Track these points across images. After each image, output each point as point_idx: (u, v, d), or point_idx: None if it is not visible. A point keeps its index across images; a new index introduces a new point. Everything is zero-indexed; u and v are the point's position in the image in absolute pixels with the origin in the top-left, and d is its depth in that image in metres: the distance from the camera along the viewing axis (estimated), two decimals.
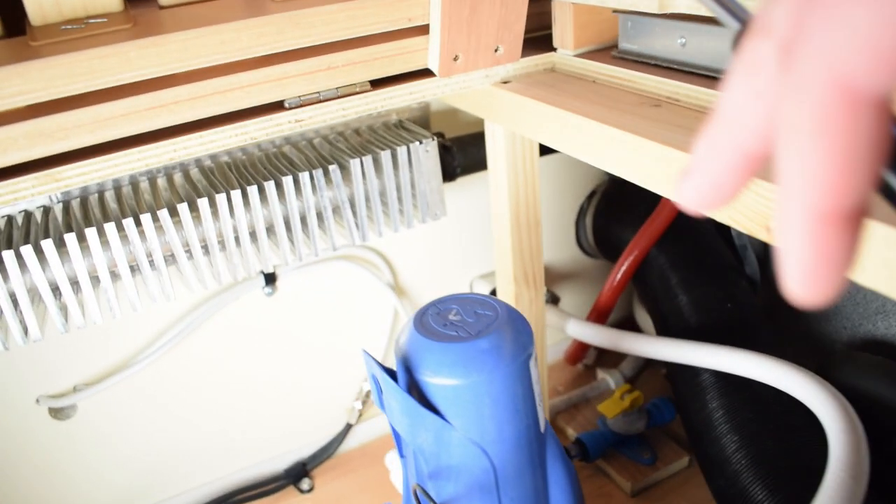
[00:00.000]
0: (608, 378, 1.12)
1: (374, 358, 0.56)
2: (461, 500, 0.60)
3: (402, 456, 0.65)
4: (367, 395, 1.06)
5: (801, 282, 0.20)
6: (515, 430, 0.59)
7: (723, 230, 1.07)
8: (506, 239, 0.84)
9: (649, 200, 1.04)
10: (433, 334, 0.58)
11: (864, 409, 0.70)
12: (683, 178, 0.23)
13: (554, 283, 1.16)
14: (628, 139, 0.56)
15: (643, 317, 1.11)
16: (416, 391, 0.57)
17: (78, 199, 0.80)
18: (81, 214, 0.78)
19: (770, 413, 0.78)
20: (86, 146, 0.63)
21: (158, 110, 0.64)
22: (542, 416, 0.62)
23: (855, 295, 0.92)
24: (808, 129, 0.18)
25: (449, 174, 0.89)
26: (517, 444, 0.60)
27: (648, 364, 1.18)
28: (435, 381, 0.56)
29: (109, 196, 0.80)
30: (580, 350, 1.15)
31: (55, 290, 0.74)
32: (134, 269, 0.76)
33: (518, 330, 0.59)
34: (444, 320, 0.59)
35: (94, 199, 0.80)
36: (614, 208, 1.09)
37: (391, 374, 0.57)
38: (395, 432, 0.64)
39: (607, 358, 1.19)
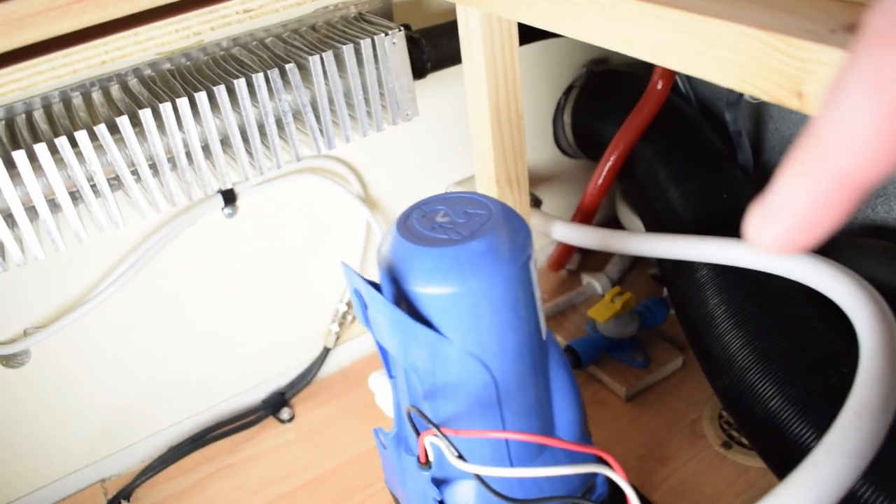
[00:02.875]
0: (594, 282, 1.08)
1: (355, 271, 0.50)
2: (460, 418, 0.55)
3: (391, 377, 0.60)
4: (344, 316, 1.00)
5: (790, 230, 0.19)
6: (517, 339, 0.53)
7: (710, 116, 1.02)
8: (486, 137, 0.77)
9: (632, 91, 0.98)
10: (421, 239, 0.51)
11: None
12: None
13: (534, 186, 1.10)
14: (674, 17, 0.44)
15: (627, 216, 1.06)
16: (406, 304, 0.51)
17: (2, 123, 0.71)
18: (8, 138, 0.68)
19: (778, 306, 0.74)
20: None
21: (83, 3, 0.55)
22: (543, 323, 0.57)
23: None
24: None
25: (418, 70, 0.81)
26: (519, 355, 0.54)
27: (634, 265, 1.13)
28: (427, 290, 0.49)
29: (38, 116, 0.71)
30: (564, 255, 1.11)
31: None
32: (75, 196, 0.68)
33: (515, 228, 0.53)
34: (431, 223, 0.53)
35: (21, 119, 0.70)
36: (594, 102, 1.02)
37: (376, 287, 0.51)
38: (382, 351, 0.58)
39: (591, 262, 1.14)
